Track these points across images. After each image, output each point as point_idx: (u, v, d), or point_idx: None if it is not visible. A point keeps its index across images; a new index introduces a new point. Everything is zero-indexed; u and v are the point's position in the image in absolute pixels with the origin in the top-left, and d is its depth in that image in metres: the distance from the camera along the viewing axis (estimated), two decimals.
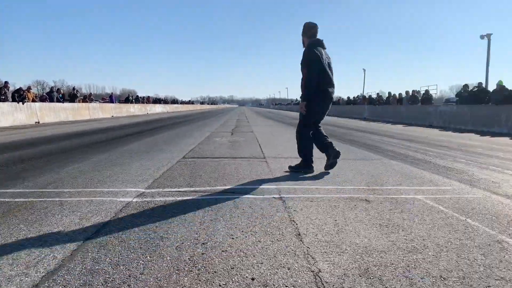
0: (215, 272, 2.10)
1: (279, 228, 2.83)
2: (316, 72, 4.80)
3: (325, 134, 5.33)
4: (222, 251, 2.39)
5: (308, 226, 2.89)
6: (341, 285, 1.95)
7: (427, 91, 23.27)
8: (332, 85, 5.04)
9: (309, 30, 5.06)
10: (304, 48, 5.05)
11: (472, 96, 17.78)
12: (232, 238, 2.62)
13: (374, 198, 3.79)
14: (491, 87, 19.91)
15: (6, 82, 19.53)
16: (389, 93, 29.02)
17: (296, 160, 6.26)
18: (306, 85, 4.85)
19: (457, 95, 20.19)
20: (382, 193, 3.99)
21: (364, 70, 52.57)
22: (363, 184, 4.42)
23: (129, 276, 2.06)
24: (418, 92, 25.27)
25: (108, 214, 3.17)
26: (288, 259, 2.27)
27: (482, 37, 28.31)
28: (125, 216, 3.11)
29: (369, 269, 2.15)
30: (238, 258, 2.28)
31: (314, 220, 3.05)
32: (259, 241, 2.57)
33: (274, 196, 3.83)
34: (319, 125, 5.31)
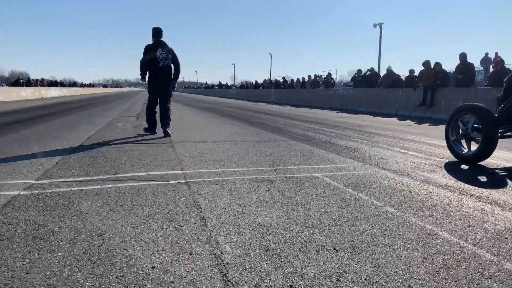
0: (112, 264, 1.99)
1: (183, 214, 2.79)
2: (143, 64, 7.19)
3: (160, 111, 7.38)
4: (121, 241, 2.28)
5: (212, 210, 2.89)
6: (242, 264, 1.99)
7: (329, 74, 24.71)
8: (159, 74, 7.18)
9: (153, 34, 7.29)
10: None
11: (365, 80, 19.37)
12: (132, 227, 2.51)
13: (276, 178, 3.93)
14: (383, 72, 21.94)
15: None
16: (292, 80, 30.31)
17: (205, 143, 6.24)
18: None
19: (352, 79, 21.80)
20: (285, 173, 4.16)
21: (271, 55, 54.07)
22: (267, 165, 4.56)
23: (12, 277, 1.85)
24: (320, 76, 26.81)
25: None
26: (190, 244, 2.25)
27: (375, 25, 30.88)
28: (10, 211, 2.79)
29: (269, 246, 2.22)
30: (138, 248, 2.19)
31: (219, 203, 3.06)
32: (161, 228, 2.50)
33: (180, 181, 3.76)
34: (168, 103, 7.46)
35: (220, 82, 59.45)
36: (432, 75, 13.39)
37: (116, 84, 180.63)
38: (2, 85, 30.86)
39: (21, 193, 3.29)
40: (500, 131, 4.75)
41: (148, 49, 7.16)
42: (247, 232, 2.44)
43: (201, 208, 2.93)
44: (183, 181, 3.77)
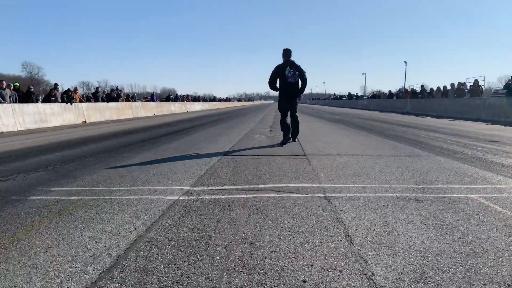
0: (265, 273, 2.09)
1: (327, 229, 2.78)
2: (271, 80, 7.98)
3: (291, 122, 8.31)
4: (271, 251, 2.38)
5: (357, 227, 2.82)
6: None
7: (476, 81, 22.08)
8: (287, 90, 8.00)
9: (283, 54, 8.01)
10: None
11: None
12: (280, 238, 2.60)
13: (424, 197, 3.64)
14: None
15: (56, 84, 20.53)
16: (431, 88, 27.93)
17: (339, 157, 6.17)
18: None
19: (505, 86, 19.06)
20: (433, 192, 3.83)
21: (405, 62, 50.93)
22: (411, 183, 4.26)
23: (181, 275, 2.09)
24: (464, 84, 24.14)
25: (157, 212, 3.25)
26: (339, 261, 2.23)
27: None
28: (173, 214, 3.18)
29: (426, 273, 2.06)
30: (288, 260, 2.26)
31: (363, 220, 2.97)
32: (307, 242, 2.53)
33: (319, 195, 3.77)
34: (295, 114, 8.31)
35: (349, 93, 58.37)
36: None
37: (248, 98, 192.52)
38: (157, 101, 35.63)
39: (180, 198, 3.71)
40: None
41: (278, 69, 8.04)
42: (398, 255, 2.30)
43: (344, 224, 2.88)
44: (322, 195, 3.77)
